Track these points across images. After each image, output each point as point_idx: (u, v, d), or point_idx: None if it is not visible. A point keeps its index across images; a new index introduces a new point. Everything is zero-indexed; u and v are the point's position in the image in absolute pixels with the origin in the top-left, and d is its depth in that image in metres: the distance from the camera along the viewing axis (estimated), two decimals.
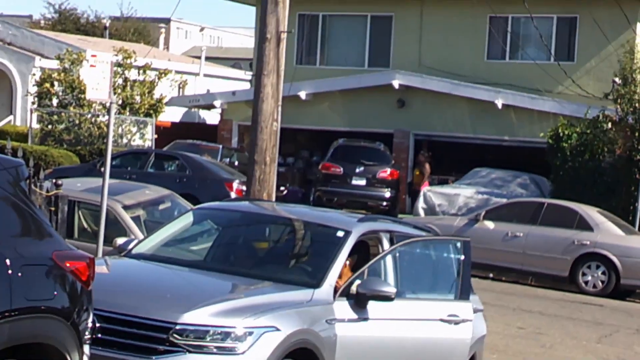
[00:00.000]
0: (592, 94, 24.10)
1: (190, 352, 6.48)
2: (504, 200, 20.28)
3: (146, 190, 12.62)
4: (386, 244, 8.20)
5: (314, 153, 30.13)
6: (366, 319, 7.40)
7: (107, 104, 12.60)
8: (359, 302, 7.35)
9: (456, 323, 7.90)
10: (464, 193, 22.38)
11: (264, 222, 8.81)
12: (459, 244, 8.31)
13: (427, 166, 25.75)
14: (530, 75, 26.00)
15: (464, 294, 8.04)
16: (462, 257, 8.18)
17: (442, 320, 7.87)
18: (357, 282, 7.42)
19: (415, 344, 7.72)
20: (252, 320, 6.67)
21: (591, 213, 18.15)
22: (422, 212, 22.12)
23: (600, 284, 17.38)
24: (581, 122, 22.85)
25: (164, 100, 30.73)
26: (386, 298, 7.34)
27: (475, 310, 8.29)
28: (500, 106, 26.03)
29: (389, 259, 7.90)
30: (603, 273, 17.39)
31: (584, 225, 17.78)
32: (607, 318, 14.90)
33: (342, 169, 23.99)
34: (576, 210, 18.11)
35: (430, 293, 8.18)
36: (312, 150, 30.53)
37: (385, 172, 24.15)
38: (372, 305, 7.40)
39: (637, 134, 21.60)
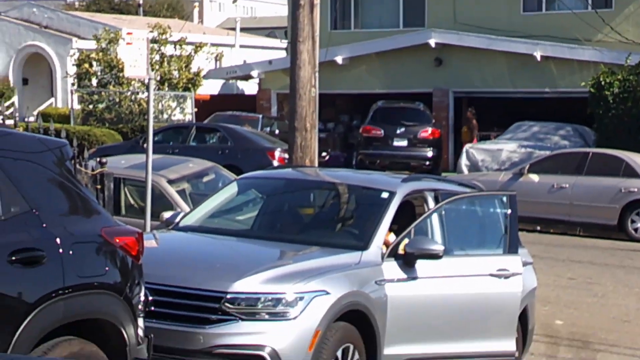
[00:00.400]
0: (632, 40, 23.69)
1: (242, 319, 6.54)
2: (548, 153, 20.08)
3: (189, 164, 12.70)
4: (431, 203, 8.19)
5: (354, 117, 30.07)
6: (415, 278, 7.41)
7: (146, 81, 12.66)
8: (407, 262, 7.36)
9: (506, 277, 7.87)
10: (507, 148, 22.22)
11: (308, 188, 8.84)
12: (504, 199, 8.26)
13: (475, 122, 25.56)
14: (568, 25, 25.66)
15: (512, 247, 8.01)
16: (509, 211, 8.14)
17: (491, 275, 7.85)
18: (405, 241, 7.42)
19: (465, 300, 7.72)
20: (302, 285, 6.70)
21: (637, 160, 17.95)
22: (465, 170, 22.02)
23: None
24: (622, 69, 22.55)
25: (202, 74, 30.80)
26: (434, 256, 7.35)
27: (525, 264, 8.26)
28: (539, 58, 25.74)
29: (435, 217, 7.89)
30: None
31: (631, 172, 17.59)
32: None
33: (382, 131, 23.92)
34: (622, 158, 17.91)
35: (479, 249, 8.16)
36: (351, 114, 30.47)
37: (427, 132, 24.04)
38: (420, 264, 7.40)
39: None
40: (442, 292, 7.59)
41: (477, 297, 7.78)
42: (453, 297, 7.66)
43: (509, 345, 7.91)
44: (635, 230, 17.32)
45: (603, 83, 22.30)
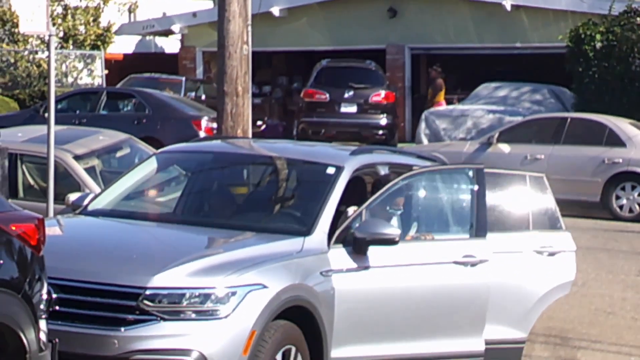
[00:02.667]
0: None
1: (164, 319, 6.52)
2: (520, 119, 20.28)
3: (100, 136, 12.60)
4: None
5: (294, 79, 30.03)
6: (367, 268, 7.44)
7: (46, 38, 12.49)
8: (357, 249, 7.38)
9: (472, 265, 7.94)
10: (473, 113, 22.38)
11: (241, 163, 8.83)
12: (471, 173, 8.32)
13: (440, 82, 25.41)
14: None
15: (479, 230, 8.07)
16: (476, 188, 8.20)
17: (456, 262, 7.91)
18: (356, 225, 7.45)
19: (426, 292, 7.77)
20: (234, 278, 6.70)
21: (622, 125, 18.18)
22: (425, 139, 22.15)
23: (637, 207, 17.47)
24: (605, 19, 22.77)
25: (113, 29, 30.50)
26: (389, 242, 7.37)
27: (557, 252, 8.35)
28: (509, 7, 25.93)
29: (390, 196, 7.91)
30: (633, 188, 17.49)
31: (615, 140, 17.80)
32: None
33: (328, 96, 23.90)
34: (605, 124, 18.13)
35: (442, 232, 8.21)
36: (291, 76, 30.44)
37: (379, 96, 24.04)
38: (373, 252, 7.43)
39: None
40: (398, 284, 7.62)
41: (439, 288, 7.84)
42: (411, 289, 7.70)
43: (477, 343, 7.99)
44: (621, 207, 17.56)
45: (583, 36, 22.52)
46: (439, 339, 7.83)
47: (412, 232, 8.04)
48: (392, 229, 7.47)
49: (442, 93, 25.29)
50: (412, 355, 7.72)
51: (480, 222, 8.09)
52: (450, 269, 7.89)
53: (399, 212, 7.97)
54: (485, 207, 8.16)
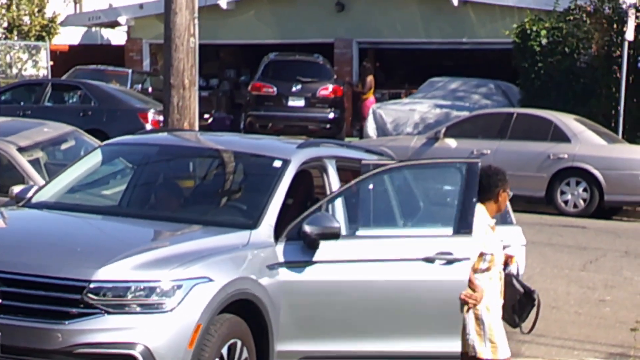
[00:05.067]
0: None
1: (109, 312, 6.48)
2: (467, 114, 20.40)
3: (44, 128, 12.50)
4: (333, 173, 8.21)
5: (242, 72, 29.99)
6: (315, 262, 7.39)
7: None
8: (306, 243, 7.34)
9: (449, 262, 7.52)
10: (420, 108, 22.45)
11: (187, 155, 8.80)
12: (464, 169, 7.77)
13: (370, 79, 25.33)
14: None
15: (463, 227, 7.64)
16: (465, 184, 7.74)
17: (426, 259, 7.55)
18: (305, 219, 7.41)
19: (385, 288, 7.55)
20: (180, 271, 6.68)
21: (567, 121, 18.35)
22: (372, 133, 22.19)
23: (581, 202, 17.65)
24: (551, 15, 22.95)
25: (58, 20, 30.23)
26: (333, 236, 7.32)
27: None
28: (456, 3, 26.06)
29: (353, 191, 7.80)
30: (584, 190, 17.64)
31: (560, 136, 17.97)
32: (591, 241, 15.18)
33: (275, 89, 23.86)
34: (550, 120, 18.29)
35: (418, 228, 7.96)
36: (239, 69, 30.39)
37: (327, 90, 24.05)
38: (326, 246, 7.37)
39: (615, 26, 21.78)
40: (350, 279, 7.47)
41: (402, 285, 7.54)
42: (365, 284, 7.50)
43: (453, 345, 7.56)
44: (565, 202, 17.73)
45: (529, 32, 22.67)
46: (400, 338, 7.58)
47: (379, 227, 7.89)
48: (336, 222, 7.38)
49: (372, 91, 25.26)
50: (361, 353, 7.55)
51: (464, 219, 7.64)
52: (418, 266, 7.55)
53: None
54: (472, 201, 7.69)
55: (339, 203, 7.75)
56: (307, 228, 7.29)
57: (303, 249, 7.35)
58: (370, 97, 25.01)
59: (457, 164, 8.07)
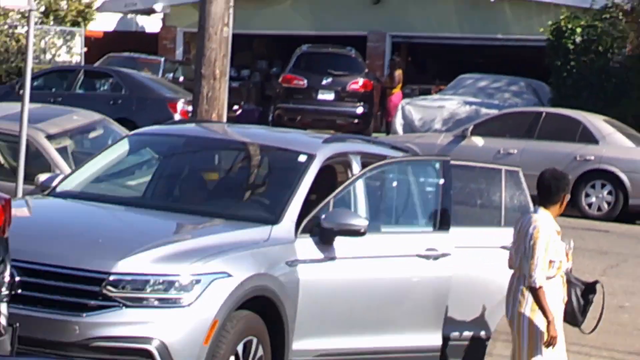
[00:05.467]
0: None
1: (127, 306, 6.49)
2: (495, 112, 20.28)
3: (74, 116, 12.51)
4: (357, 169, 8.19)
5: (274, 63, 29.88)
6: (333, 259, 7.40)
7: (26, 12, 12.39)
8: (324, 239, 7.33)
9: (435, 258, 7.91)
10: (449, 105, 22.33)
11: (213, 147, 8.79)
12: (437, 165, 8.28)
13: (398, 73, 25.14)
14: None
15: (443, 223, 8.05)
16: (441, 180, 8.14)
17: (419, 255, 7.87)
18: (323, 215, 7.41)
19: (388, 285, 7.72)
20: (199, 265, 6.67)
21: (596, 123, 18.19)
22: (400, 129, 22.08)
23: (605, 205, 17.48)
24: (587, 13, 22.72)
25: (95, 5, 30.27)
26: (355, 232, 7.33)
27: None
28: None
29: (359, 187, 7.87)
30: (609, 193, 17.48)
31: (588, 137, 17.81)
32: (613, 246, 15.05)
33: (306, 82, 23.74)
34: (579, 120, 18.13)
35: (406, 225, 8.19)
36: (271, 60, 30.29)
37: (357, 83, 23.88)
38: (340, 243, 7.39)
39: None
40: (362, 276, 7.58)
41: (401, 281, 7.78)
42: (375, 281, 7.65)
43: (434, 339, 7.94)
44: (589, 205, 17.55)
45: (564, 29, 22.46)
46: (399, 333, 7.80)
47: (378, 223, 7.99)
48: (360, 219, 7.42)
49: (400, 86, 25.07)
50: (374, 349, 7.67)
51: (443, 215, 8.02)
52: (413, 262, 7.84)
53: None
54: (451, 200, 8.09)
55: (347, 198, 7.77)
56: (325, 224, 7.28)
57: (320, 244, 7.34)
58: (398, 92, 24.85)
59: (432, 160, 8.56)
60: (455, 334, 8.10)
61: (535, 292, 7.34)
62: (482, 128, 18.51)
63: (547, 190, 7.54)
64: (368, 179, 7.94)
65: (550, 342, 7.34)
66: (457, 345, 8.12)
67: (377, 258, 7.67)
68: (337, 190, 7.66)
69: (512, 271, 7.68)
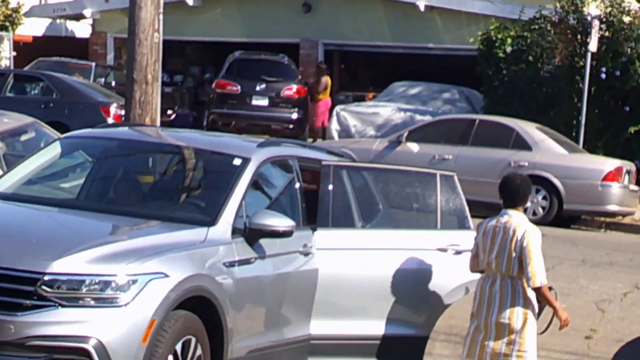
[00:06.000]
0: None
1: (63, 305, 6.46)
2: (429, 118, 20.46)
3: (4, 119, 12.44)
4: (296, 172, 8.27)
5: (207, 69, 29.90)
6: (263, 258, 7.54)
7: None
8: (250, 240, 7.48)
9: (306, 254, 8.04)
10: (384, 111, 22.50)
11: (147, 151, 8.77)
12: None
13: (325, 80, 25.13)
14: None
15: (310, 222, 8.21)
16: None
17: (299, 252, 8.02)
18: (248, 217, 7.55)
19: (284, 280, 7.90)
20: (136, 266, 6.67)
21: (529, 130, 18.45)
22: (336, 135, 22.21)
23: (540, 210, 17.76)
24: (516, 24, 23.08)
25: (22, 10, 30.00)
26: (278, 234, 7.46)
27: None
28: (422, 8, 26.12)
29: (293, 189, 8.00)
30: (544, 198, 17.75)
31: (521, 143, 18.07)
32: (549, 249, 15.17)
33: (239, 87, 23.83)
34: (512, 127, 18.38)
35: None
36: (204, 66, 30.28)
37: (291, 90, 24.04)
38: (267, 242, 7.50)
39: (579, 37, 21.93)
40: (286, 271, 7.81)
41: (287, 276, 7.92)
42: (287, 276, 7.87)
43: (305, 329, 8.11)
44: (525, 210, 17.70)
45: (494, 39, 22.78)
46: (295, 324, 7.97)
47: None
48: (283, 220, 7.52)
49: (327, 91, 25.09)
50: (294, 338, 7.91)
51: (308, 214, 8.16)
52: (295, 258, 7.96)
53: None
54: (328, 200, 8.24)
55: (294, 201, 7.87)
56: (249, 225, 7.43)
57: (250, 245, 7.42)
58: (325, 99, 24.93)
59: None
60: (394, 332, 8.20)
61: (541, 291, 7.53)
62: (416, 134, 18.68)
63: (517, 193, 7.78)
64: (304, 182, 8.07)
65: (564, 325, 7.66)
66: (398, 344, 8.21)
67: (286, 254, 7.83)
68: (242, 191, 7.68)
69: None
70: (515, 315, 7.57)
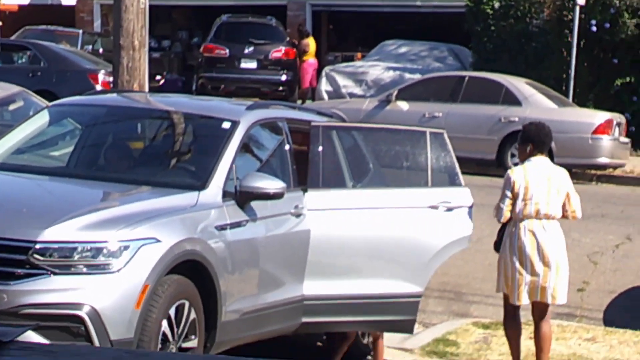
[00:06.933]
0: None
1: (55, 273, 6.46)
2: (419, 76, 20.43)
3: None
4: (284, 135, 8.25)
5: (194, 34, 29.78)
6: (255, 220, 7.51)
7: None
8: (240, 203, 7.45)
9: (297, 216, 7.99)
10: (373, 71, 22.46)
11: (136, 116, 8.75)
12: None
13: (306, 42, 24.82)
14: None
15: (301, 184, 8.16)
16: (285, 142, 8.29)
17: (291, 213, 7.96)
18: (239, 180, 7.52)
19: (277, 242, 7.86)
20: (127, 231, 6.66)
21: (518, 85, 18.44)
22: (325, 96, 22.18)
23: None
24: None
25: None
26: (267, 196, 7.44)
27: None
28: None
29: (283, 151, 7.98)
30: None
31: (511, 99, 18.07)
32: None
33: (228, 51, 23.76)
34: (501, 83, 18.37)
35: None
36: (191, 30, 30.17)
37: (280, 52, 23.99)
38: (257, 204, 7.49)
39: None
40: (278, 232, 7.78)
41: (281, 237, 7.89)
42: (286, 237, 7.86)
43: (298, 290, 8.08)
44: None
45: None
46: (288, 285, 7.95)
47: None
48: (272, 182, 7.51)
49: (310, 53, 24.92)
50: (287, 300, 7.87)
51: (298, 175, 8.11)
52: (286, 219, 7.93)
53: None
54: (318, 160, 8.17)
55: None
56: (239, 187, 7.40)
57: (240, 207, 7.40)
58: (310, 60, 24.86)
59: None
60: (388, 291, 8.21)
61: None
62: (406, 93, 18.66)
63: (547, 141, 8.29)
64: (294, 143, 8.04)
65: None
66: (391, 302, 8.23)
67: (278, 216, 7.80)
68: (232, 154, 7.65)
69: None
70: (564, 251, 8.15)
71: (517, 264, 7.96)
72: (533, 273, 7.95)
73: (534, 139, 8.16)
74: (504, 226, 8.20)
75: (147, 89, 12.60)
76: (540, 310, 8.09)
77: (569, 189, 8.11)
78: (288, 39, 24.77)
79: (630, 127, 19.84)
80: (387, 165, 9.10)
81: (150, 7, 12.62)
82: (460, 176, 8.90)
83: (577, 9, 20.61)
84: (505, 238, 8.10)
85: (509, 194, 8.05)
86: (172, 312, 6.79)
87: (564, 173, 8.18)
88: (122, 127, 8.74)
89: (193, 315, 6.96)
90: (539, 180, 8.03)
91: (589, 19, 21.31)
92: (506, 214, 8.05)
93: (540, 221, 8.02)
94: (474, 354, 8.92)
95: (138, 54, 12.28)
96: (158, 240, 6.72)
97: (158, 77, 23.75)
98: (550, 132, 8.31)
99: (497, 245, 8.23)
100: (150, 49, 12.67)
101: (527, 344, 8.40)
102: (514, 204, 8.02)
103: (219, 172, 7.51)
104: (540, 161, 8.14)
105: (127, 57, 12.23)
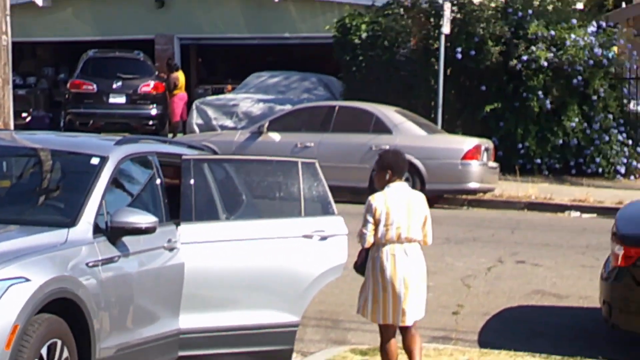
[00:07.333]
0: None
1: None
2: (289, 107, 20.55)
3: None
4: (154, 169, 8.22)
5: (60, 69, 29.49)
6: (127, 255, 7.48)
7: None
8: (112, 239, 7.41)
9: (170, 250, 8.01)
10: (243, 103, 22.52)
11: (1, 155, 8.59)
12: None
13: (175, 75, 24.82)
14: None
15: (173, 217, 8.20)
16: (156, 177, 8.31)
17: (163, 247, 7.98)
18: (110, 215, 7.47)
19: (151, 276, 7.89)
20: None
21: (388, 113, 18.71)
22: (196, 129, 22.14)
23: None
24: (370, 10, 23.35)
25: None
26: (140, 231, 7.42)
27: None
28: None
29: (154, 186, 7.98)
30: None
31: (381, 127, 18.31)
32: None
33: (95, 86, 23.60)
34: (371, 112, 18.61)
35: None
36: (57, 66, 29.86)
37: (148, 86, 23.95)
38: (130, 239, 7.46)
39: (432, 20, 22.32)
40: (150, 267, 7.76)
41: (153, 272, 7.88)
42: (161, 270, 7.86)
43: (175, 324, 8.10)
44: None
45: (349, 26, 23.02)
46: (163, 319, 7.95)
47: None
48: (144, 217, 7.47)
49: (180, 86, 24.86)
50: (163, 334, 7.87)
51: (171, 209, 8.14)
52: (160, 253, 7.92)
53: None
54: (190, 194, 8.22)
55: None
56: (110, 223, 7.38)
57: (113, 243, 7.36)
58: (180, 93, 24.85)
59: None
60: (265, 321, 8.23)
61: None
62: (277, 124, 18.76)
63: (405, 166, 8.35)
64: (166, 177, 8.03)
65: None
66: (268, 332, 8.24)
67: (153, 250, 7.80)
68: (102, 190, 7.62)
69: None
70: (424, 273, 8.30)
71: (380, 287, 8.06)
72: (394, 296, 8.06)
73: (392, 166, 8.24)
74: (364, 248, 8.29)
75: (12, 126, 12.42)
76: (405, 330, 8.24)
77: (427, 213, 8.22)
78: (157, 72, 24.72)
79: (498, 152, 20.30)
80: (260, 196, 9.14)
81: (14, 44, 12.49)
82: (333, 205, 8.98)
83: (443, 37, 21.05)
84: (369, 262, 8.19)
85: (370, 219, 8.13)
86: (44, 351, 6.66)
87: (421, 197, 8.26)
88: None
89: (66, 353, 6.85)
90: (399, 205, 8.11)
91: (455, 47, 21.78)
92: (369, 239, 8.13)
93: (402, 245, 8.10)
94: None
95: (2, 92, 12.12)
96: (27, 280, 6.60)
97: (24, 115, 23.43)
98: (406, 158, 8.46)
99: (358, 267, 8.32)
100: (15, 86, 12.52)
101: None
102: (376, 230, 8.11)
103: (89, 208, 7.45)
104: (399, 187, 8.22)
105: None
